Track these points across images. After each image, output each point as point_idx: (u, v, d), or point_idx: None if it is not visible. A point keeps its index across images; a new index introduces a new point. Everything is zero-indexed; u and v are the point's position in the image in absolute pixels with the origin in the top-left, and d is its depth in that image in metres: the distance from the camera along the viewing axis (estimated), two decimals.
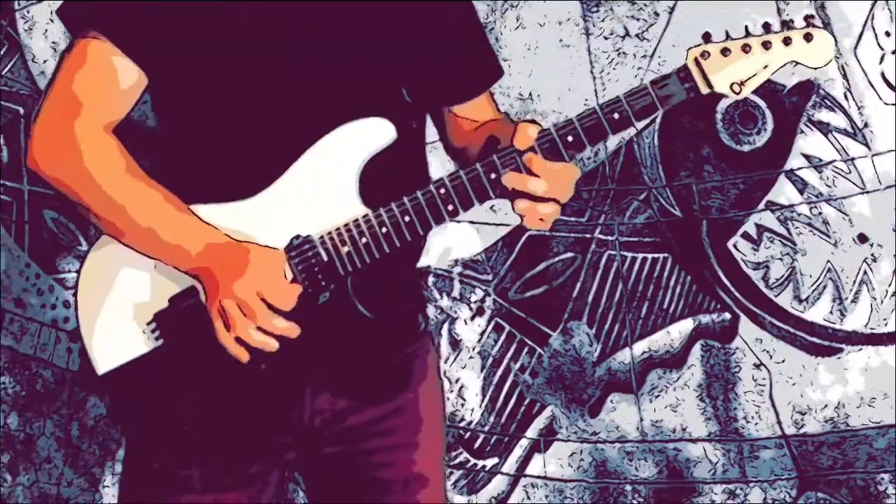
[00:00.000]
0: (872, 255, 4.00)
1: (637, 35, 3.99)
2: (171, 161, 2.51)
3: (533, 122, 2.40)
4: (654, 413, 4.14)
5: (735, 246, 4.09)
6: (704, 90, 2.36)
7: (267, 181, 2.43)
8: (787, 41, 2.34)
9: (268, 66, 2.41)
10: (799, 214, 4.02)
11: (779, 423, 4.05)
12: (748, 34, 2.34)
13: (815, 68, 2.36)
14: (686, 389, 4.14)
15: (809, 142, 4.00)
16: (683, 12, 3.97)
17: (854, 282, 4.00)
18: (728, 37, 2.34)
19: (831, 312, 4.04)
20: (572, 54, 3.99)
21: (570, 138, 2.34)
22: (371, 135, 2.40)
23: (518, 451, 4.15)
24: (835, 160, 3.98)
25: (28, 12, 4.28)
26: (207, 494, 2.51)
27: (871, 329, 4.00)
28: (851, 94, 3.92)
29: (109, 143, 2.41)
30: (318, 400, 2.54)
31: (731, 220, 4.06)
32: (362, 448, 2.59)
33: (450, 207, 2.39)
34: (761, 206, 4.05)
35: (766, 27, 2.34)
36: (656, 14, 4.00)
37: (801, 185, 4.01)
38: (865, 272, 4.00)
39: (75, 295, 2.48)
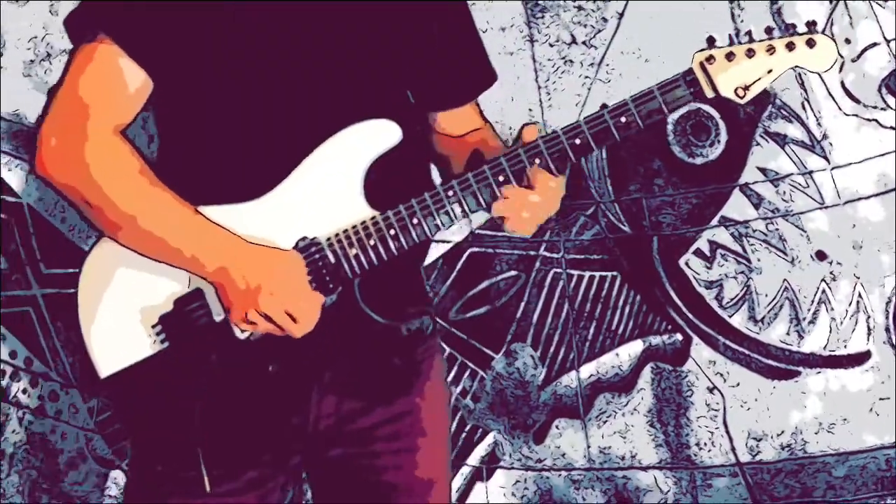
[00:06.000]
0: (831, 273, 3.99)
1: (584, 42, 3.97)
2: (175, 163, 2.53)
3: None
4: (601, 439, 4.10)
5: (687, 264, 4.06)
6: (709, 94, 2.44)
7: (273, 183, 2.46)
8: (790, 46, 2.42)
9: (273, 68, 2.45)
10: (754, 230, 4.01)
11: (733, 449, 4.04)
12: (752, 39, 2.42)
13: (819, 73, 2.54)
14: (636, 414, 4.10)
15: (765, 154, 3.99)
16: (633, 17, 3.94)
17: (812, 301, 4.00)
18: (732, 41, 2.41)
19: (788, 333, 4.03)
20: (516, 62, 3.97)
21: (577, 141, 2.42)
22: (377, 136, 2.45)
23: (459, 481, 4.08)
24: (792, 174, 3.99)
25: None
26: (212, 497, 2.51)
27: (830, 351, 4.00)
28: (809, 104, 3.94)
29: (120, 146, 2.45)
30: (324, 403, 2.57)
31: (683, 237, 4.04)
32: (367, 451, 2.61)
33: (458, 209, 2.44)
34: (715, 221, 4.02)
35: (769, 31, 2.43)
36: (604, 20, 3.97)
37: (757, 200, 4.00)
38: (824, 291, 3.99)
39: (76, 296, 2.49)
